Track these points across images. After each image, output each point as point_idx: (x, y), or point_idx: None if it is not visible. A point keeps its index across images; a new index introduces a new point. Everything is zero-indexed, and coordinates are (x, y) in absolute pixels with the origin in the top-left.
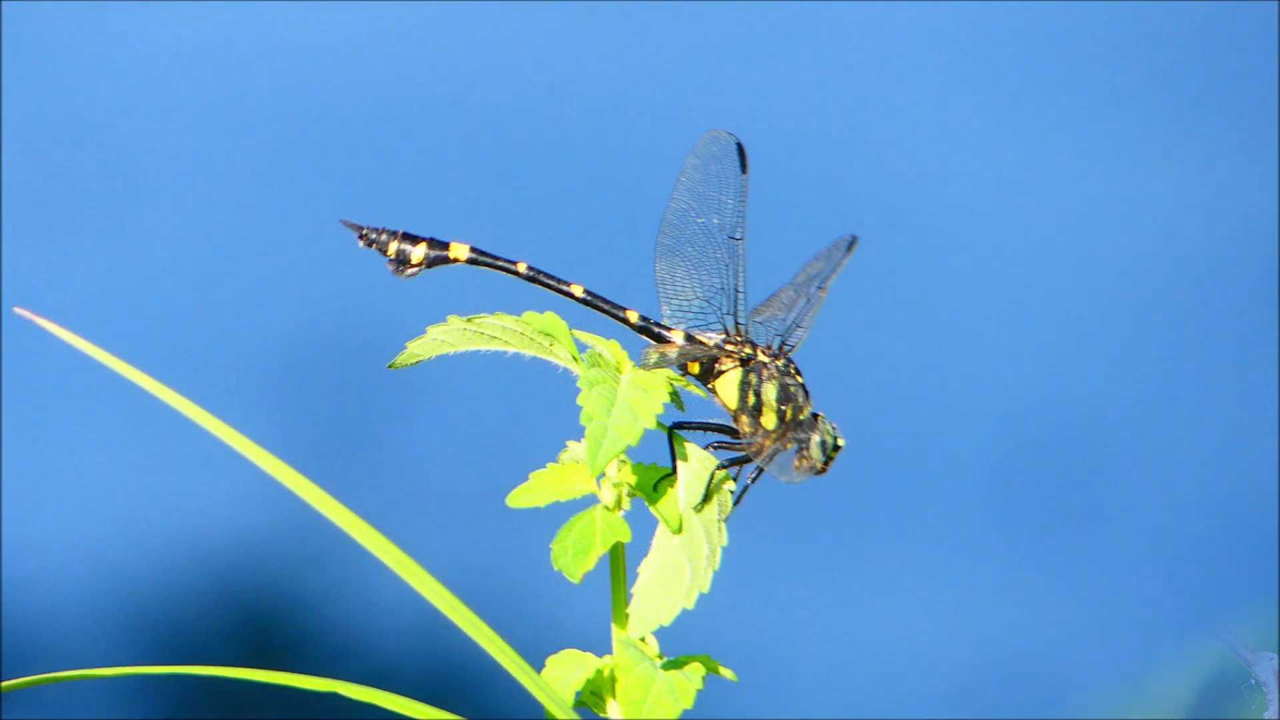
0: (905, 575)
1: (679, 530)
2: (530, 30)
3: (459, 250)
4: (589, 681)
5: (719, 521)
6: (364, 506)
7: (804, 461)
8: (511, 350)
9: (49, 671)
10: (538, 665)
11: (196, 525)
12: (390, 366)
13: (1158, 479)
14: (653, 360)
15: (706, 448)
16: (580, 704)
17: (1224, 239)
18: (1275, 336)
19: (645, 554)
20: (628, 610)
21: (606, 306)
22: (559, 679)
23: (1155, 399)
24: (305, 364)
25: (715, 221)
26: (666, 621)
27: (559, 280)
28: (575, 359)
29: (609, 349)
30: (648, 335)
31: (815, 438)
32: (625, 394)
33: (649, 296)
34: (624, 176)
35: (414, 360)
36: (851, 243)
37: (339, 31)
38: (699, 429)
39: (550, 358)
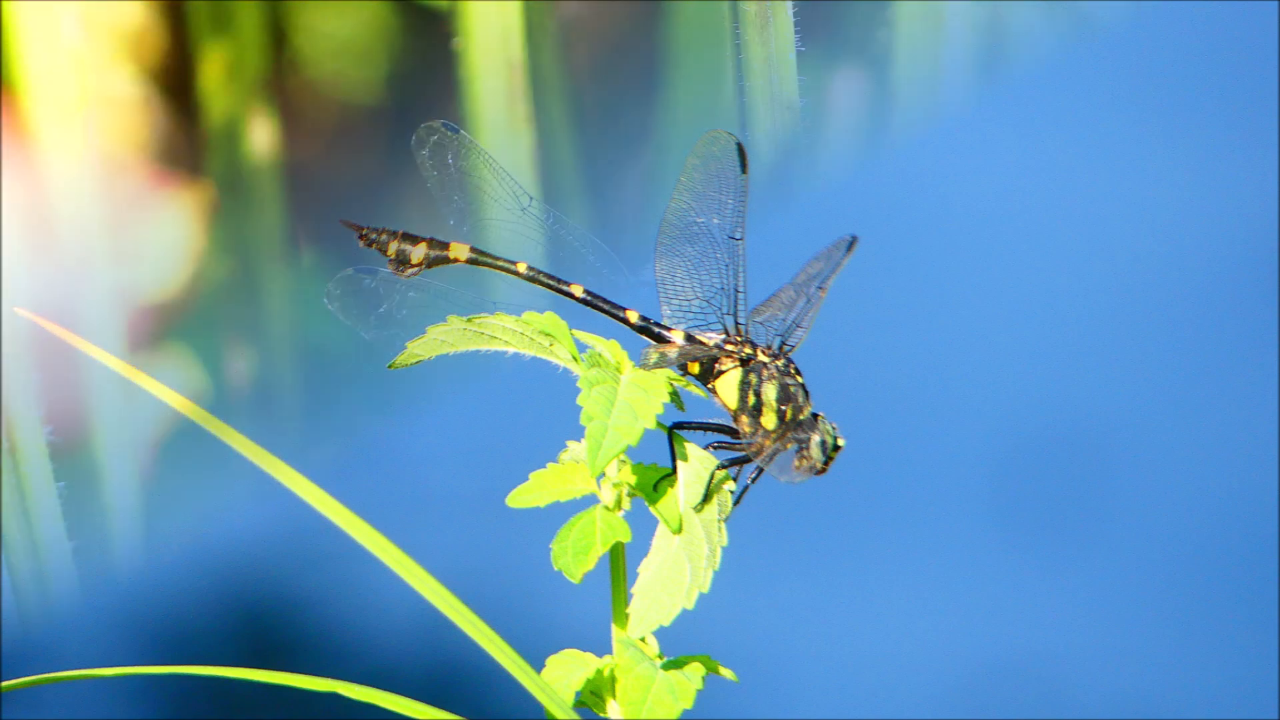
0: (905, 575)
1: (679, 530)
2: None
3: (459, 250)
4: (589, 681)
5: (719, 521)
6: (364, 506)
7: (804, 461)
8: (511, 350)
9: (49, 671)
10: (538, 665)
11: (196, 525)
12: (390, 367)
13: (1158, 479)
14: (653, 360)
15: (706, 448)
16: (580, 704)
17: (1225, 239)
18: (1275, 336)
19: (645, 554)
20: (628, 610)
21: (606, 306)
22: (559, 679)
23: (1155, 399)
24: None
25: (715, 221)
26: (666, 621)
27: (559, 280)
28: (575, 359)
29: (609, 349)
30: (648, 335)
31: (815, 438)
32: (625, 394)
33: (649, 296)
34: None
35: (414, 360)
36: (851, 243)
37: None
38: (699, 429)
39: (550, 358)
